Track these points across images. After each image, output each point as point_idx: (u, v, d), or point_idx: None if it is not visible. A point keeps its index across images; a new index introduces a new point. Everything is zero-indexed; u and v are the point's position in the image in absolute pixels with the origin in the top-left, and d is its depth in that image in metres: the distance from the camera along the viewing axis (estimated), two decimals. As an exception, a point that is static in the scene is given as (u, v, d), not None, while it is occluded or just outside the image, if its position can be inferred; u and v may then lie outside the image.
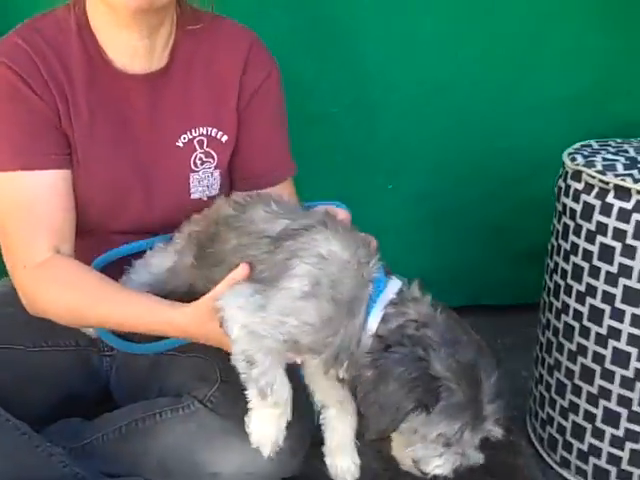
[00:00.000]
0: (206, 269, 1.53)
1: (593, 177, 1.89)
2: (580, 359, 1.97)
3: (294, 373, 1.47)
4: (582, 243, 1.92)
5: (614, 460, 1.96)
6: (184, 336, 1.52)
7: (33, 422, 1.63)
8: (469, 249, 2.56)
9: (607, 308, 1.88)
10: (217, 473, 1.58)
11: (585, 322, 1.94)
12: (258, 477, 1.57)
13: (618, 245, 1.84)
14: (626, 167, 1.90)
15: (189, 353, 1.69)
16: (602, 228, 1.87)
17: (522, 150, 2.45)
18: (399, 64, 2.33)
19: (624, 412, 1.91)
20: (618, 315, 1.87)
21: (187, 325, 1.47)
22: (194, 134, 1.69)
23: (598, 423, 1.96)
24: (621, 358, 1.88)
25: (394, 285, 1.39)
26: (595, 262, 1.89)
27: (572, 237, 1.95)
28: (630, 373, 1.88)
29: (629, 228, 1.82)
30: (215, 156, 1.71)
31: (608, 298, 1.88)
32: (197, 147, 1.70)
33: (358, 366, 1.36)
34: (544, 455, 2.15)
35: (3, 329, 1.71)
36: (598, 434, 1.97)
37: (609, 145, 2.09)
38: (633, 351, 1.86)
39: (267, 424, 1.40)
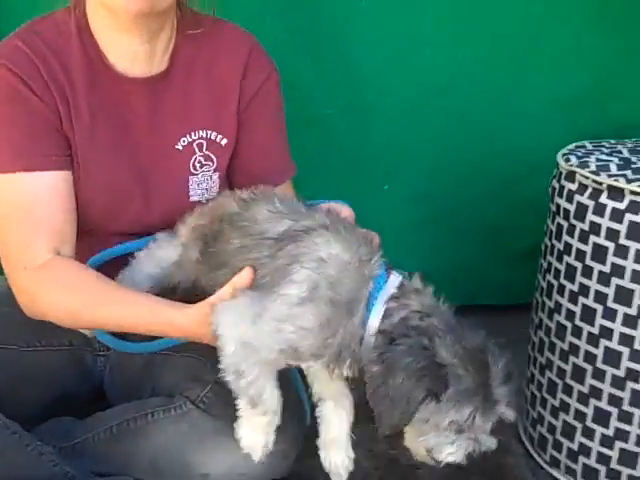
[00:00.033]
0: (210, 270, 1.52)
1: (587, 178, 1.88)
2: (572, 358, 1.96)
3: (285, 374, 1.46)
4: (575, 243, 1.91)
5: (603, 459, 1.95)
6: (184, 336, 1.51)
7: (25, 421, 1.61)
8: (465, 249, 2.55)
9: (599, 308, 1.87)
10: (208, 474, 1.56)
11: (577, 322, 1.93)
12: (249, 478, 1.56)
13: (611, 245, 1.83)
14: (619, 168, 1.89)
15: (183, 353, 1.67)
16: (595, 228, 1.85)
17: (518, 151, 2.44)
18: (395, 66, 2.32)
19: (614, 411, 1.90)
20: (610, 315, 1.86)
21: (188, 325, 1.46)
22: (193, 137, 1.68)
23: (588, 422, 1.95)
24: (612, 357, 1.87)
25: (395, 280, 1.38)
26: (588, 262, 1.88)
27: (565, 237, 1.94)
28: (621, 372, 1.87)
29: (622, 228, 1.81)
30: (214, 159, 1.70)
31: (600, 298, 1.87)
32: (196, 150, 1.69)
33: (364, 363, 1.35)
34: (534, 454, 2.13)
35: None
36: (588, 433, 1.96)
37: (603, 146, 2.07)
38: (624, 351, 1.85)
39: (256, 430, 1.41)
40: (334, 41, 2.28)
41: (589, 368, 1.92)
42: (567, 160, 1.97)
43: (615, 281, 1.84)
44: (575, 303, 1.93)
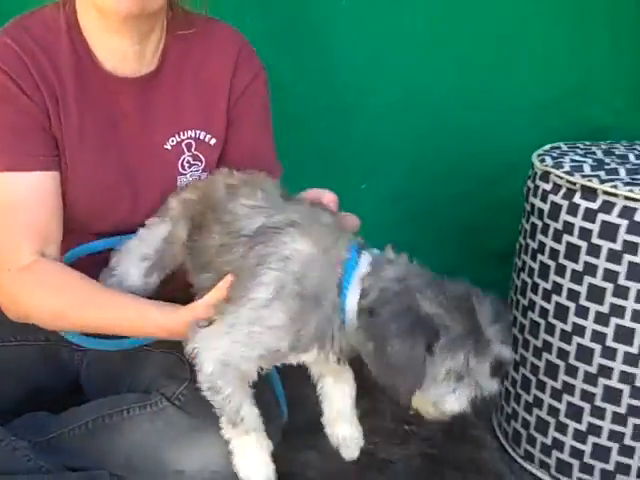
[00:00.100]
0: (195, 270, 1.50)
1: (561, 178, 1.88)
2: (545, 355, 1.95)
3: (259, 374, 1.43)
4: (549, 242, 1.90)
5: (577, 454, 1.94)
6: (172, 337, 1.48)
7: (-1, 416, 1.57)
8: (442, 248, 2.53)
9: (572, 305, 1.86)
10: (183, 471, 1.52)
11: (550, 319, 1.92)
12: (223, 476, 1.51)
13: (584, 244, 1.82)
14: (593, 168, 1.88)
15: (162, 349, 1.63)
16: (569, 227, 1.85)
17: (495, 152, 2.42)
18: (374, 66, 2.29)
19: (587, 407, 1.89)
20: (583, 312, 1.85)
21: (176, 327, 1.43)
22: (182, 137, 1.65)
23: (562, 418, 1.95)
24: (585, 354, 1.87)
25: (365, 259, 1.35)
26: (561, 260, 1.87)
27: (539, 236, 1.93)
28: (593, 369, 1.86)
29: (595, 227, 1.80)
30: (203, 159, 1.67)
31: (573, 296, 1.86)
32: (185, 150, 1.66)
33: (356, 345, 1.32)
34: (508, 449, 2.12)
35: None
36: (561, 428, 1.95)
37: (578, 147, 2.06)
38: (597, 347, 1.84)
39: (250, 457, 1.39)
40: (314, 41, 2.25)
41: (562, 364, 1.91)
42: (542, 160, 1.96)
43: (588, 279, 1.83)
44: (548, 301, 1.92)
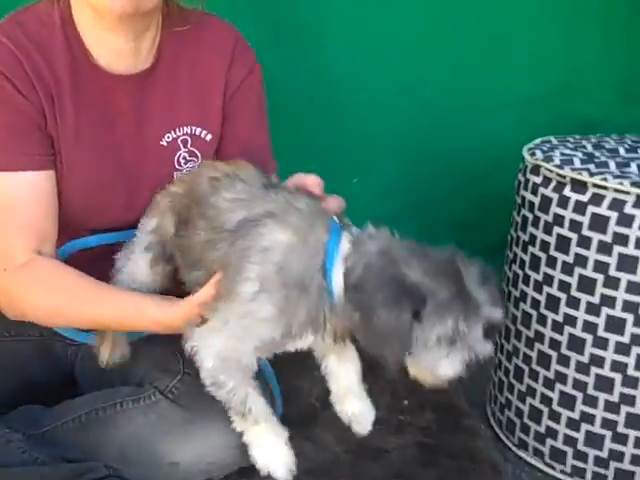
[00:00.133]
0: (187, 267, 1.49)
1: (551, 171, 1.88)
2: (537, 345, 1.95)
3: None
4: (540, 234, 1.90)
5: (570, 441, 1.95)
6: (169, 332, 1.47)
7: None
8: (434, 242, 2.55)
9: (563, 296, 1.87)
10: (177, 462, 1.52)
11: (542, 310, 1.92)
12: (218, 467, 1.52)
13: (574, 236, 1.82)
14: (583, 162, 1.88)
15: (155, 342, 1.61)
16: (559, 220, 1.85)
17: (487, 147, 2.41)
18: (365, 63, 2.28)
19: (580, 396, 1.90)
20: (574, 303, 1.85)
21: (172, 322, 1.42)
22: (178, 133, 1.63)
23: (554, 406, 1.95)
24: (577, 344, 1.87)
25: (346, 238, 1.33)
26: (552, 252, 1.88)
27: (530, 229, 1.93)
28: (585, 358, 1.86)
29: (585, 220, 1.80)
30: (199, 155, 1.65)
31: (564, 287, 1.86)
32: (181, 146, 1.64)
33: (346, 320, 1.30)
34: (503, 438, 2.13)
35: None
36: (554, 417, 1.96)
37: (568, 141, 2.06)
38: (588, 337, 1.85)
39: (266, 447, 1.38)
40: (306, 37, 2.24)
41: (554, 354, 1.92)
42: (532, 154, 1.96)
43: (578, 270, 1.83)
44: (540, 292, 1.92)
